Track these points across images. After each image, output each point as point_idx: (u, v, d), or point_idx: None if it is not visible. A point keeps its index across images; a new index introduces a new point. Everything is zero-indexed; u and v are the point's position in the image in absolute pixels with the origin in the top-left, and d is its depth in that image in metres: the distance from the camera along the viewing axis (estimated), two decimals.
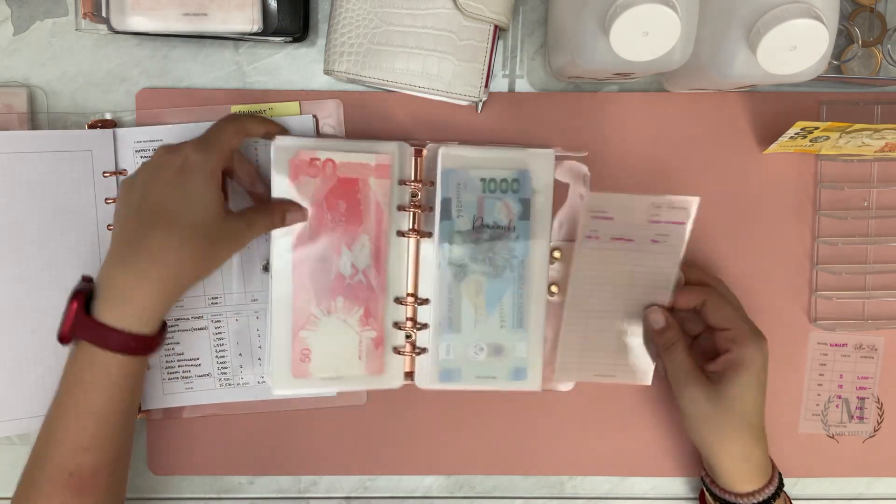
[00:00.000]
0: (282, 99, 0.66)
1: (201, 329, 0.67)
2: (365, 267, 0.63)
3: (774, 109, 0.67)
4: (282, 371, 0.63)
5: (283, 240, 0.62)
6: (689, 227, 0.63)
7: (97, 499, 0.56)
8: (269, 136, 0.62)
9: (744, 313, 0.61)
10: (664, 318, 0.62)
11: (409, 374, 0.66)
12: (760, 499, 0.60)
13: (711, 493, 0.63)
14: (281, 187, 0.62)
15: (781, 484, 0.61)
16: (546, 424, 0.68)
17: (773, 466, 0.62)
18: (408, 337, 0.66)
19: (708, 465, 0.62)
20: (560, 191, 0.66)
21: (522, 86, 0.67)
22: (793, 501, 0.63)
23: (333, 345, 0.63)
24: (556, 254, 0.66)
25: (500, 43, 0.67)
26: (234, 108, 0.66)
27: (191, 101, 0.66)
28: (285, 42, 0.66)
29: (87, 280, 0.58)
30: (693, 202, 0.62)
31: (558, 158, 0.66)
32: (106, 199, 0.65)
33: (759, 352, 0.59)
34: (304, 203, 0.62)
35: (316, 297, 0.63)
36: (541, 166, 0.65)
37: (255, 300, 0.67)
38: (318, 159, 0.62)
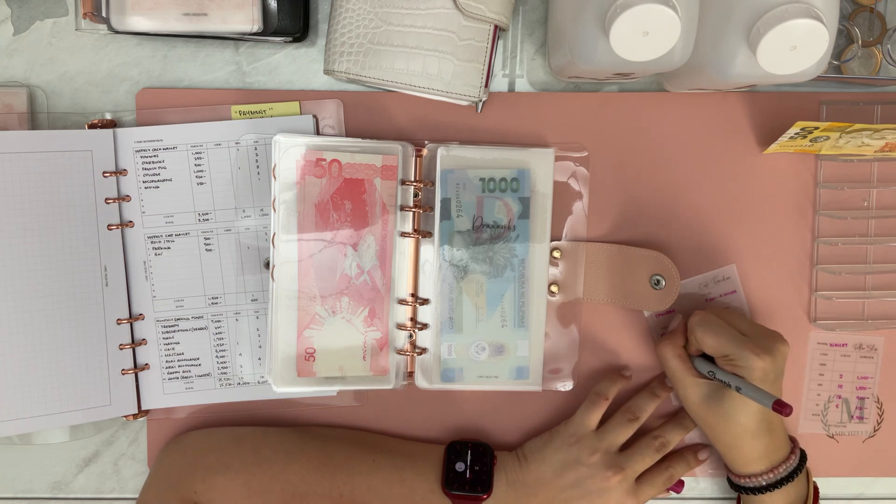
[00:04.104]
0: (282, 99, 0.66)
1: (201, 329, 0.67)
2: (370, 267, 0.64)
3: (774, 109, 0.67)
4: (286, 369, 0.63)
5: (287, 239, 0.62)
6: (741, 292, 0.67)
7: None
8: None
9: (733, 334, 0.60)
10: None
11: (409, 374, 0.66)
12: (762, 482, 0.61)
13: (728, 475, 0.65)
14: (285, 188, 0.62)
15: (797, 470, 0.62)
16: (546, 424, 0.68)
17: (791, 453, 0.62)
18: (409, 337, 0.66)
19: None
20: (561, 194, 0.66)
21: (522, 86, 0.67)
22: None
23: (338, 344, 0.63)
24: (556, 253, 0.66)
25: (500, 43, 0.67)
26: (235, 108, 0.66)
27: (191, 101, 0.66)
28: (285, 42, 0.66)
29: None
30: (732, 269, 0.66)
31: (558, 158, 0.66)
32: (106, 198, 0.65)
33: (756, 368, 0.58)
34: (309, 203, 0.62)
35: (321, 297, 0.63)
36: (541, 165, 0.65)
37: (255, 300, 0.67)
38: (324, 160, 0.62)
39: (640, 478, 0.64)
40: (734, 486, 0.64)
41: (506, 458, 0.65)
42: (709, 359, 0.62)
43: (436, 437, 0.68)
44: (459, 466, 0.63)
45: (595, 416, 0.65)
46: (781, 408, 0.54)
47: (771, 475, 0.61)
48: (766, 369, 0.58)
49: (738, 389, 0.58)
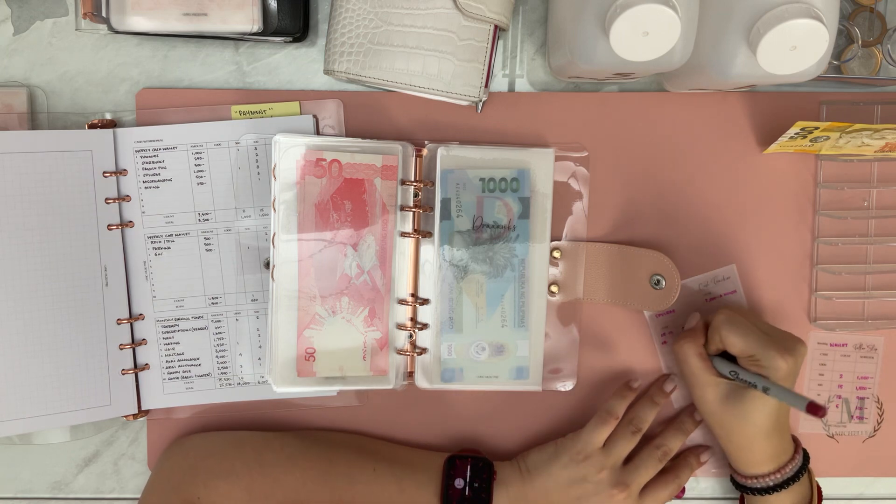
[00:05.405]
0: (282, 99, 0.66)
1: (201, 329, 0.67)
2: (370, 267, 0.63)
3: (774, 109, 0.67)
4: (286, 369, 0.63)
5: (287, 239, 0.62)
6: (741, 292, 0.66)
7: None
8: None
9: (759, 334, 0.60)
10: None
11: (409, 374, 0.66)
12: (769, 483, 0.61)
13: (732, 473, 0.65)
14: (285, 188, 0.62)
15: (802, 469, 0.62)
16: (546, 425, 0.68)
17: (795, 453, 0.62)
18: (409, 337, 0.66)
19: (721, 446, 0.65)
20: (561, 194, 0.66)
21: (522, 86, 0.67)
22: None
23: (338, 344, 0.63)
24: (556, 253, 0.66)
25: (500, 43, 0.67)
26: (235, 108, 0.66)
27: (191, 101, 0.66)
28: (285, 42, 0.66)
29: None
30: (732, 270, 0.66)
31: (558, 158, 0.66)
32: (106, 199, 0.65)
33: (780, 368, 0.58)
34: (309, 203, 0.62)
35: (321, 297, 0.63)
36: (541, 165, 0.65)
37: (255, 300, 0.67)
38: (324, 160, 0.62)
39: (644, 490, 0.64)
40: (740, 486, 0.64)
41: (506, 470, 0.64)
42: (728, 358, 0.62)
43: (436, 438, 0.68)
44: (458, 483, 0.63)
45: (604, 434, 0.64)
46: (816, 409, 0.53)
47: (778, 475, 0.61)
48: (788, 370, 0.58)
49: (765, 390, 0.58)
